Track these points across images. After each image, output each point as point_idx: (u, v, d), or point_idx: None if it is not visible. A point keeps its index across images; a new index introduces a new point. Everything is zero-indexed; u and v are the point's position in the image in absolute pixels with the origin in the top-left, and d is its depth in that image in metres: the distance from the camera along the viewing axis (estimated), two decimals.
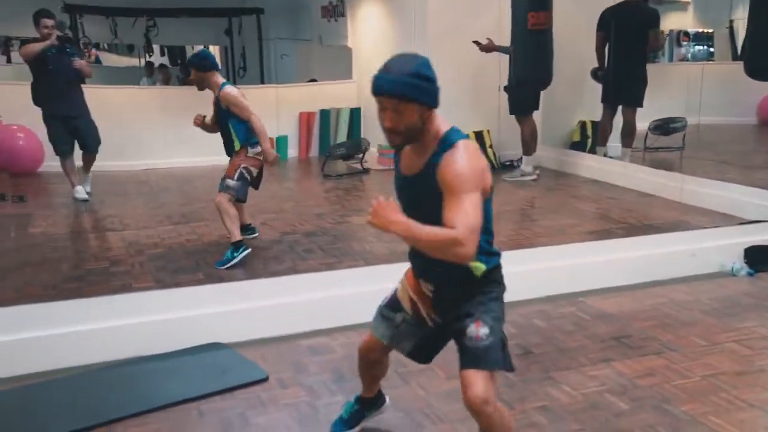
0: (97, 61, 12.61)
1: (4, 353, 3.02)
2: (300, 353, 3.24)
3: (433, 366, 3.08)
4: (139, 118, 7.62)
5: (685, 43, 11.62)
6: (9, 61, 11.23)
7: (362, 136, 8.05)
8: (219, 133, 4.51)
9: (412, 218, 1.89)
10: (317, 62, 10.55)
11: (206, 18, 11.53)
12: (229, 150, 4.48)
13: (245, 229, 4.71)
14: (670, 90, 8.61)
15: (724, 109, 8.85)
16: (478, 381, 1.97)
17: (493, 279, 2.12)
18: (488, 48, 6.63)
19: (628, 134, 6.87)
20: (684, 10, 11.47)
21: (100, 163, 6.47)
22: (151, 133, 7.57)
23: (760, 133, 9.69)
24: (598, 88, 7.05)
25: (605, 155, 7.07)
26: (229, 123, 4.36)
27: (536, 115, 6.89)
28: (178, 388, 2.88)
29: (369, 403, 2.58)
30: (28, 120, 6.51)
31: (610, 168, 6.71)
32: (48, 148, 6.18)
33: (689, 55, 11.69)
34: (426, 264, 2.07)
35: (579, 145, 7.54)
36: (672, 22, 11.25)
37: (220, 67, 4.44)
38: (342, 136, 8.28)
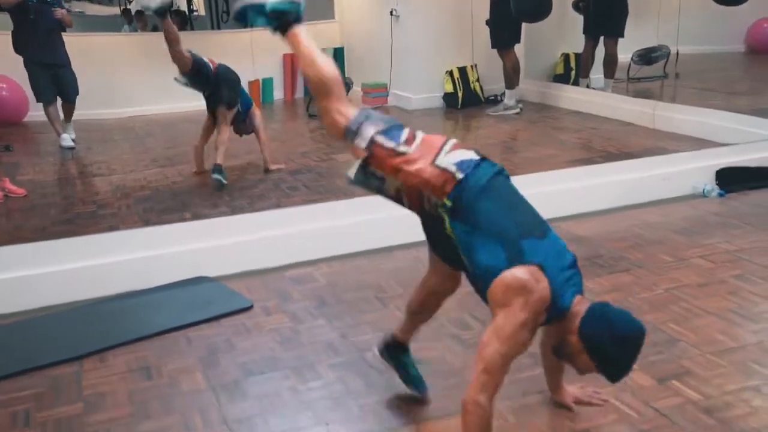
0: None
1: None
2: (284, 283, 3.36)
3: (411, 289, 3.22)
4: (123, 66, 7.60)
5: None
6: None
7: (346, 75, 8.05)
8: None
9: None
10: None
11: None
12: None
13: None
14: (654, 19, 8.59)
15: (711, 38, 8.83)
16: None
17: None
18: None
19: (610, 65, 6.90)
20: None
21: (85, 111, 6.51)
22: (135, 80, 7.56)
23: (747, 61, 9.69)
24: (581, 19, 7.06)
25: (588, 86, 7.11)
26: None
27: (518, 49, 6.90)
28: (166, 319, 3.00)
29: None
30: (11, 70, 6.52)
31: (592, 99, 6.77)
32: (33, 98, 6.21)
33: None
34: None
35: (562, 78, 7.57)
36: None
37: None
38: None
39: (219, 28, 11.01)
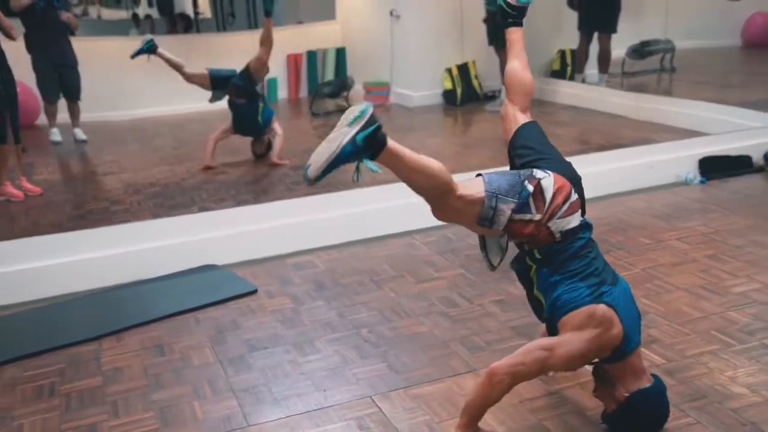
0: (85, 13, 12.69)
1: (18, 281, 3.37)
2: (286, 269, 3.59)
3: (404, 273, 3.45)
4: (131, 69, 7.81)
5: None
6: None
7: (348, 74, 8.28)
8: None
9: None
10: (302, 5, 10.67)
11: None
12: None
13: None
14: (649, 14, 8.77)
15: (707, 32, 8.99)
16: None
17: None
18: None
19: (604, 60, 7.10)
20: None
21: (94, 114, 6.75)
22: (143, 83, 7.77)
23: (742, 55, 9.85)
24: (576, 16, 7.26)
25: (583, 81, 7.32)
26: None
27: None
28: (176, 302, 3.24)
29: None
30: (22, 74, 6.75)
31: (587, 94, 6.97)
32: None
33: None
34: None
35: (559, 74, 7.76)
36: None
37: None
38: (329, 76, 8.51)
39: (225, 30, 11.23)
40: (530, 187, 2.06)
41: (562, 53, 7.82)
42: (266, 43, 5.21)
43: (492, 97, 7.43)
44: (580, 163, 4.55)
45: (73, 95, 6.30)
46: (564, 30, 7.65)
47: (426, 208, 3.91)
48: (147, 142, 6.61)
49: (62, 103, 6.27)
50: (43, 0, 5.90)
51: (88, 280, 3.47)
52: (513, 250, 2.23)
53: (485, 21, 6.96)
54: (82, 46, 6.41)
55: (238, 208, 4.09)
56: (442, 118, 7.07)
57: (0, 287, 3.33)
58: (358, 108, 1.99)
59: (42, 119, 7.20)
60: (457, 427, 2.14)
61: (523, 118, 2.37)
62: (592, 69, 7.31)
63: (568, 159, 2.31)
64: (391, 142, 2.02)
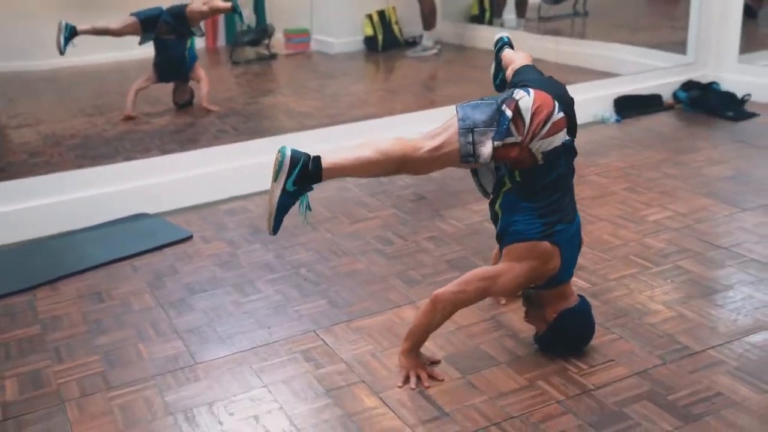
0: None
1: None
2: (220, 215, 3.61)
3: (339, 214, 3.52)
4: (41, 15, 7.50)
5: None
6: None
7: (268, 22, 8.16)
8: None
9: None
10: None
11: None
12: None
13: None
14: None
15: None
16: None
17: None
18: None
19: (521, 4, 7.25)
20: None
21: (6, 63, 6.46)
22: (52, 32, 7.49)
23: None
24: None
25: (502, 26, 7.44)
26: None
27: None
28: (111, 250, 3.22)
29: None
30: None
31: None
32: None
33: None
34: None
35: (478, 18, 7.86)
36: None
37: None
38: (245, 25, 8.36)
39: None
40: (509, 112, 2.04)
41: None
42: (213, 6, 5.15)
43: (413, 43, 7.47)
44: None
45: None
46: None
47: None
48: (63, 93, 6.39)
49: None
50: None
51: (15, 233, 3.40)
52: None
53: None
54: None
55: (167, 155, 4.05)
56: (364, 65, 7.09)
57: None
58: (277, 159, 2.06)
59: None
60: (401, 352, 2.25)
61: (521, 62, 2.46)
62: (509, 14, 7.44)
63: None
64: (327, 162, 2.06)
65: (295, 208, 2.13)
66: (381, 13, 7.45)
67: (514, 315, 2.54)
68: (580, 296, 2.31)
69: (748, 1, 5.28)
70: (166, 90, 5.40)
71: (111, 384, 2.30)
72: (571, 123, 2.17)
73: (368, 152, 2.08)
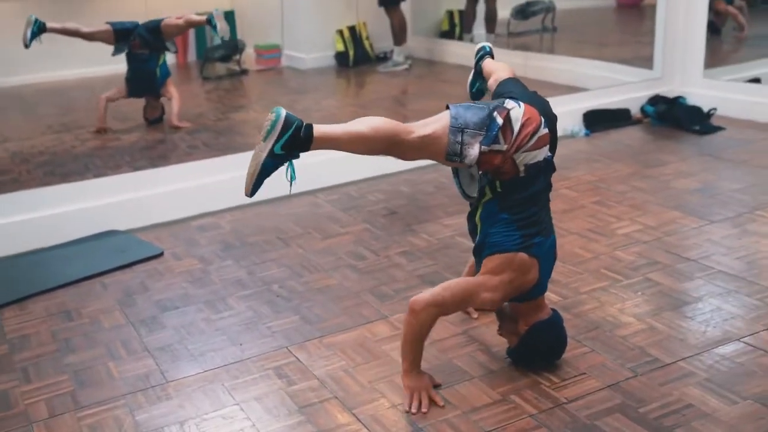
0: None
1: None
2: (191, 232, 3.58)
3: (311, 230, 3.52)
4: (5, 33, 7.42)
5: None
6: None
7: (238, 37, 8.15)
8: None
9: None
10: None
11: None
12: None
13: None
14: None
15: None
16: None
17: None
18: None
19: (490, 20, 7.33)
20: None
21: None
22: (21, 47, 7.41)
23: (616, 15, 10.33)
24: None
25: (471, 41, 7.51)
26: None
27: (405, 7, 7.20)
28: (81, 268, 3.18)
29: None
30: None
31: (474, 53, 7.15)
32: None
33: None
34: None
35: (448, 34, 7.94)
36: None
37: None
38: (218, 39, 8.33)
39: None
40: (500, 120, 2.06)
41: (450, 14, 7.98)
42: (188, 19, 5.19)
43: (384, 58, 7.51)
44: None
45: None
46: None
47: (329, 167, 3.98)
48: (29, 109, 6.33)
49: None
50: None
51: None
52: None
53: None
54: None
55: (137, 172, 4.01)
56: (335, 80, 7.11)
57: None
58: (270, 119, 2.02)
59: None
60: (402, 374, 2.20)
61: (505, 74, 2.46)
62: (479, 30, 7.52)
63: None
64: (319, 131, 2.04)
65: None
66: (352, 29, 7.48)
67: (487, 329, 2.55)
68: (552, 309, 2.32)
69: (711, 18, 5.39)
70: (136, 106, 5.36)
71: (80, 404, 2.27)
72: (552, 139, 2.20)
73: (361, 127, 2.06)
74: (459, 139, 2.05)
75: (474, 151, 2.06)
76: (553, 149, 2.21)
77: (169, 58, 8.31)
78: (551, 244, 2.27)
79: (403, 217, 3.60)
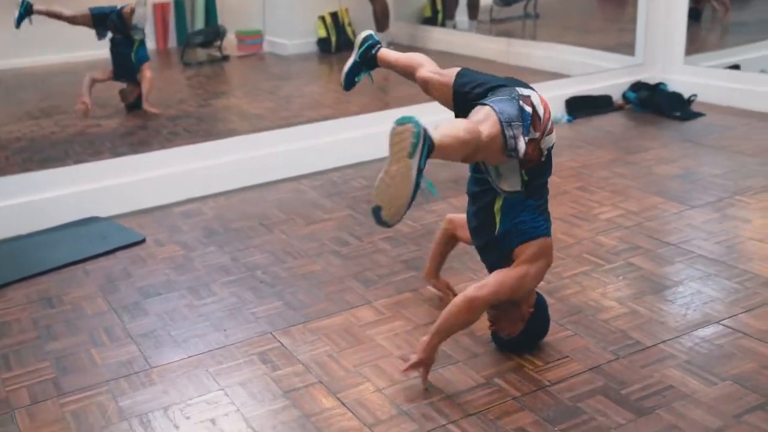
0: None
1: None
2: (173, 218, 3.56)
3: (294, 216, 3.51)
4: None
5: None
6: None
7: (219, 22, 8.09)
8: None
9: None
10: None
11: None
12: None
13: None
14: None
15: None
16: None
17: None
18: None
19: (473, 7, 7.33)
20: None
21: None
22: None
23: (597, 2, 10.36)
24: None
25: (454, 27, 7.51)
26: None
27: None
28: (62, 254, 3.15)
29: None
30: None
31: (457, 39, 7.15)
32: None
33: None
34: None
35: (431, 20, 7.92)
36: None
37: None
38: (199, 25, 8.27)
39: None
40: (528, 109, 2.05)
41: (433, 0, 7.96)
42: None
43: None
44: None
45: None
46: None
47: (312, 153, 3.97)
48: (8, 95, 6.24)
49: None
50: None
51: None
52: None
53: None
54: None
55: (118, 158, 3.98)
56: (317, 66, 7.08)
57: None
58: (409, 131, 1.81)
59: None
60: (428, 344, 2.15)
61: (450, 70, 2.38)
62: (462, 16, 7.51)
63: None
64: (438, 142, 1.86)
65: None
66: (334, 15, 7.44)
67: None
68: (537, 293, 2.34)
69: (692, 5, 5.41)
70: (115, 92, 5.31)
71: (63, 390, 2.26)
72: None
73: (460, 133, 1.92)
74: (511, 133, 2.00)
75: (522, 143, 2.02)
76: None
77: (149, 43, 8.28)
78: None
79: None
